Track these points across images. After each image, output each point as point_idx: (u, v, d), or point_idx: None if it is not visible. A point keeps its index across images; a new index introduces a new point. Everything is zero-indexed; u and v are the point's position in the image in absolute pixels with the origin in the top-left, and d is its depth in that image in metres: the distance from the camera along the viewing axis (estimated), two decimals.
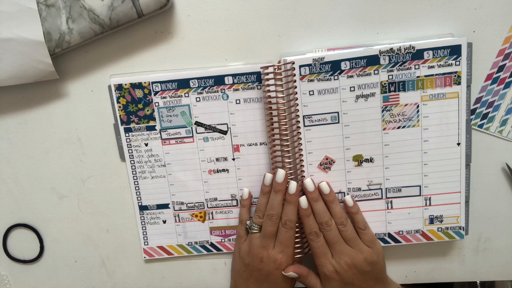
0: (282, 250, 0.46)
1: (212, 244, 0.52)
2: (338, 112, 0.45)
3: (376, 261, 0.46)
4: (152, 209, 0.51)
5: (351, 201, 0.47)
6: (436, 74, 0.44)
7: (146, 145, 0.49)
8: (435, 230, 0.48)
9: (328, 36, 0.46)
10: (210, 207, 0.51)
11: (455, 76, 0.44)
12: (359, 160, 0.47)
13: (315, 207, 0.46)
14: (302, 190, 0.47)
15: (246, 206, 0.49)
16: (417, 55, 0.44)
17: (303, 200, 0.45)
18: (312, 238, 0.46)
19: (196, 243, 0.52)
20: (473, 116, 0.47)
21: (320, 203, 0.46)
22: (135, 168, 0.50)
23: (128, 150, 0.50)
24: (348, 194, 0.48)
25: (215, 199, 0.50)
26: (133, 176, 0.50)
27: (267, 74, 0.44)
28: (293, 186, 0.45)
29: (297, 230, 0.47)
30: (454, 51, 0.43)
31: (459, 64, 0.44)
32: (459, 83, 0.44)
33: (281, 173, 0.45)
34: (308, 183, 0.46)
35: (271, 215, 0.46)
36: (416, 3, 0.45)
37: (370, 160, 0.47)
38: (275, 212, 0.46)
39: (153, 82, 0.47)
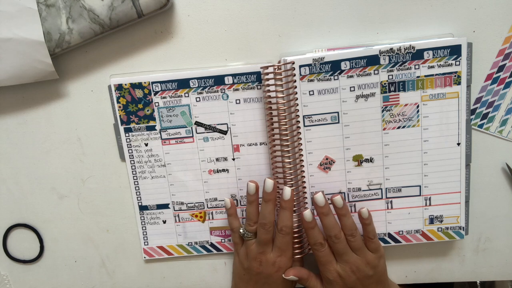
0: (280, 254, 0.46)
1: (212, 244, 0.52)
2: (338, 112, 0.45)
3: (378, 264, 0.46)
4: (152, 209, 0.51)
5: (366, 213, 0.46)
6: (436, 74, 0.44)
7: (146, 145, 0.49)
8: (435, 230, 0.48)
9: (328, 36, 0.46)
10: (210, 207, 0.51)
11: (455, 76, 0.44)
12: (359, 160, 0.47)
13: (325, 221, 0.45)
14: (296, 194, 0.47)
15: (232, 214, 0.49)
16: (417, 55, 0.44)
17: (307, 214, 0.44)
18: (317, 248, 0.45)
19: (196, 243, 0.52)
20: (473, 116, 0.47)
21: (330, 217, 0.45)
22: (135, 168, 0.50)
23: (128, 150, 0.50)
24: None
25: (215, 199, 0.50)
26: (133, 176, 0.50)
27: (267, 74, 0.44)
28: (287, 192, 0.44)
29: (296, 230, 0.47)
30: (454, 51, 0.43)
31: (459, 64, 0.44)
32: (459, 83, 0.44)
33: (269, 183, 0.45)
34: (319, 198, 0.44)
35: (264, 224, 0.45)
36: (416, 3, 0.45)
37: (370, 160, 0.47)
38: (267, 221, 0.45)
39: (153, 82, 0.47)
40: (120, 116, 0.49)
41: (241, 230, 0.48)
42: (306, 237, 0.46)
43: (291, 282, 0.48)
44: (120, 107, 0.48)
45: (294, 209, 0.46)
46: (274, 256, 0.46)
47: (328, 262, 0.46)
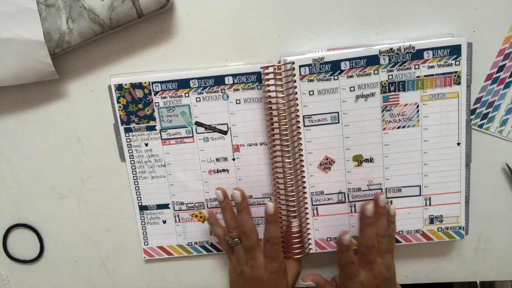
0: (271, 261, 0.46)
1: (212, 245, 0.52)
2: (338, 112, 0.45)
3: (391, 265, 0.46)
4: (152, 209, 0.51)
5: (394, 211, 0.46)
6: (436, 74, 0.44)
7: (146, 145, 0.49)
8: (435, 230, 0.48)
9: (328, 36, 0.46)
10: (210, 208, 0.51)
11: (455, 76, 0.44)
12: (359, 160, 0.47)
13: (368, 232, 0.44)
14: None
15: (213, 223, 0.49)
16: (417, 55, 0.44)
17: (346, 239, 0.43)
18: (348, 266, 0.44)
19: (196, 243, 0.52)
20: (473, 116, 0.47)
21: (374, 228, 0.44)
22: (135, 168, 0.50)
23: (128, 150, 0.50)
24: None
25: (215, 199, 0.50)
26: (133, 176, 0.50)
27: (267, 74, 0.44)
28: (270, 207, 0.44)
29: (297, 231, 0.47)
30: (454, 51, 0.43)
31: (459, 64, 0.44)
32: (459, 83, 0.44)
33: (237, 194, 0.45)
34: (369, 210, 0.43)
35: (244, 232, 0.45)
36: (416, 3, 0.45)
37: (370, 160, 0.47)
38: (246, 229, 0.45)
39: (153, 82, 0.47)
40: (120, 116, 0.49)
41: (226, 237, 0.47)
42: (338, 255, 0.45)
43: (285, 283, 0.48)
44: (120, 107, 0.48)
45: (294, 209, 0.46)
46: (264, 262, 0.46)
47: (355, 275, 0.45)
